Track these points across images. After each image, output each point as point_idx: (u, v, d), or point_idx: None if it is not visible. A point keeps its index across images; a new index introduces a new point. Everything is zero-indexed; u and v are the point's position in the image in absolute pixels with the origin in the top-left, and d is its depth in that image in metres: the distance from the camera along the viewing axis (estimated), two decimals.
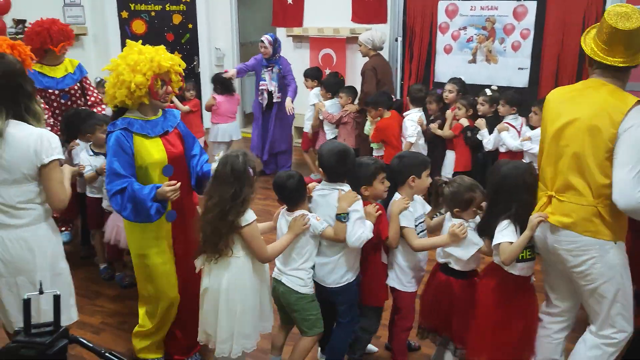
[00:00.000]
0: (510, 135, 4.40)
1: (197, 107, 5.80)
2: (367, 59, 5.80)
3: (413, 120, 4.94)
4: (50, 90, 4.18)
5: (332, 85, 5.81)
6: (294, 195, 2.63)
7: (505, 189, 2.52)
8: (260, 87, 6.13)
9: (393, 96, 5.54)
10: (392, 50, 6.74)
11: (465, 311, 2.66)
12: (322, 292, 2.75)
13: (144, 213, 2.50)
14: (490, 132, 4.58)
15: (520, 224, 2.49)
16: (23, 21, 6.51)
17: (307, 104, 6.08)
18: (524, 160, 4.40)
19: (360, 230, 2.55)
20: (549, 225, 2.44)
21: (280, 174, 2.66)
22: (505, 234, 2.47)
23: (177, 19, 7.68)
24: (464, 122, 4.63)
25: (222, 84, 5.94)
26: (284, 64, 6.13)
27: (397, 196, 2.77)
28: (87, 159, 3.81)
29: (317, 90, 5.91)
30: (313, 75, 5.99)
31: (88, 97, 4.40)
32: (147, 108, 2.65)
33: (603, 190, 2.28)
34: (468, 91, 4.86)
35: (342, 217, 2.53)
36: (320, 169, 2.70)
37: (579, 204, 2.33)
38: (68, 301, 2.54)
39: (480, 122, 4.52)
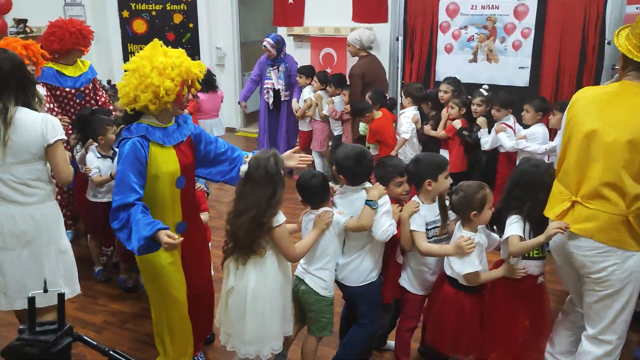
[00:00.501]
0: (507, 136, 4.40)
1: (194, 109, 5.74)
2: (355, 58, 5.77)
3: (408, 117, 4.92)
4: (67, 89, 4.23)
5: (338, 81, 5.79)
6: (317, 194, 2.63)
7: (522, 185, 2.55)
8: (265, 86, 6.08)
9: (387, 95, 5.49)
10: (392, 49, 6.75)
11: (476, 327, 2.62)
12: (345, 293, 2.78)
13: (133, 242, 2.30)
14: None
15: (530, 221, 2.51)
16: (24, 20, 6.51)
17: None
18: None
19: (387, 223, 2.56)
20: (568, 232, 2.37)
21: (304, 174, 2.66)
22: (514, 227, 2.49)
23: (177, 19, 7.69)
24: (457, 124, 4.59)
25: (205, 82, 5.92)
26: (290, 63, 6.07)
27: (415, 199, 2.75)
28: (95, 161, 3.77)
29: (310, 87, 5.89)
30: (307, 72, 5.95)
31: (98, 98, 4.47)
32: (166, 115, 2.51)
33: (637, 200, 2.21)
34: (463, 91, 4.84)
35: (372, 203, 2.54)
36: (340, 175, 2.68)
37: (608, 213, 2.25)
38: (73, 276, 2.77)
39: (482, 121, 4.51)
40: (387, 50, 6.83)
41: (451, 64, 5.78)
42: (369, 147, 5.23)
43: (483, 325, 2.63)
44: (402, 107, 5.17)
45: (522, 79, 5.46)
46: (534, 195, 2.51)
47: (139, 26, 7.62)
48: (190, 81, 2.48)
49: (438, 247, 2.68)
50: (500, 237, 2.64)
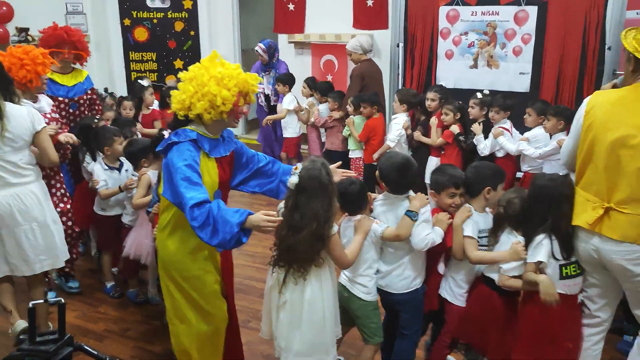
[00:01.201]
0: (507, 139, 4.39)
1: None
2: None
3: (399, 124, 4.91)
4: (60, 98, 4.08)
5: (325, 89, 5.82)
6: (355, 201, 2.62)
7: (541, 201, 2.46)
8: (258, 91, 6.11)
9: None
10: (393, 55, 6.77)
11: (505, 328, 2.58)
12: (388, 301, 2.73)
13: (223, 237, 2.18)
14: (484, 137, 4.51)
15: (558, 235, 2.43)
16: (26, 29, 6.54)
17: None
18: (522, 162, 4.44)
19: (425, 232, 2.53)
20: (599, 239, 2.33)
21: (343, 181, 2.66)
22: (538, 252, 2.42)
23: (179, 26, 7.71)
24: (455, 129, 4.55)
25: None
26: (281, 69, 6.10)
27: (465, 207, 2.70)
28: (102, 172, 3.68)
29: (290, 95, 5.88)
30: (285, 80, 5.92)
31: (96, 109, 4.38)
32: (218, 126, 2.47)
33: None
34: (450, 97, 4.83)
35: (412, 214, 2.52)
36: (382, 183, 2.69)
37: None
38: (64, 243, 3.22)
39: (476, 128, 4.48)
40: (387, 57, 6.85)
41: (452, 70, 5.79)
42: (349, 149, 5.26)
43: (514, 332, 2.57)
44: (394, 112, 5.16)
45: (522, 84, 5.46)
46: (556, 209, 2.43)
47: (141, 34, 7.65)
48: (245, 93, 2.46)
49: (492, 255, 2.61)
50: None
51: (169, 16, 7.64)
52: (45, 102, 3.58)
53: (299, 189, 2.30)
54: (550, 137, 4.17)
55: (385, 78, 6.77)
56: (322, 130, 5.82)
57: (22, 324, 3.09)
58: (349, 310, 2.69)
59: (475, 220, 2.64)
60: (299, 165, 2.36)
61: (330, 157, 5.62)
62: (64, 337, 1.31)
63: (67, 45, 4.07)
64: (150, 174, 3.47)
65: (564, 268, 2.44)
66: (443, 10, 5.73)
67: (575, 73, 5.25)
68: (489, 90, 4.77)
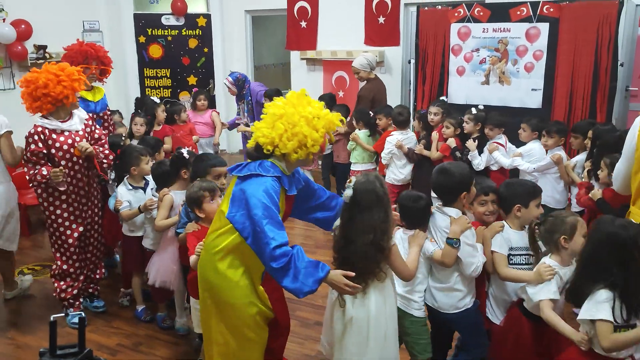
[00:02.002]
0: (502, 154, 4.45)
1: (189, 131, 5.71)
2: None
3: (391, 142, 4.94)
4: (89, 114, 4.01)
5: (328, 103, 5.85)
6: (418, 216, 2.63)
7: (611, 252, 2.11)
8: (237, 121, 6.27)
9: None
10: (404, 72, 6.81)
11: (530, 356, 2.47)
12: (437, 318, 2.69)
13: (300, 287, 2.21)
14: (478, 152, 4.56)
15: (624, 295, 2.08)
16: (44, 47, 6.67)
17: None
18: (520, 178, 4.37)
19: (475, 260, 2.52)
20: None
21: (410, 194, 2.69)
22: (602, 308, 2.08)
23: (193, 43, 7.82)
24: (452, 142, 4.61)
25: (192, 104, 6.09)
26: (253, 93, 6.10)
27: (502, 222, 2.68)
28: (126, 193, 3.60)
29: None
30: (273, 95, 5.97)
31: (112, 127, 4.44)
32: (297, 164, 2.48)
33: None
34: (452, 112, 4.89)
35: (453, 242, 2.48)
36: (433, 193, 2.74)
37: None
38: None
39: (470, 144, 4.52)
40: (399, 73, 6.89)
41: (463, 86, 5.81)
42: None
43: None
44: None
45: (534, 100, 5.46)
46: (625, 262, 2.09)
47: (155, 51, 7.76)
48: (329, 133, 2.46)
49: (517, 272, 2.54)
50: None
51: (183, 33, 7.76)
52: (78, 118, 3.58)
53: (354, 202, 2.34)
54: (547, 153, 4.23)
55: (397, 94, 6.83)
56: None
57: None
58: (400, 327, 2.61)
59: (505, 237, 2.60)
60: (353, 179, 2.40)
61: (336, 169, 5.84)
62: (84, 351, 1.33)
63: (94, 61, 4.17)
64: (173, 194, 3.37)
65: (618, 330, 2.10)
66: (454, 27, 5.76)
67: (587, 89, 5.24)
68: (487, 106, 4.82)
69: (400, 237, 2.66)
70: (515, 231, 2.63)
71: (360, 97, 5.69)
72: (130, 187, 3.64)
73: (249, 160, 2.46)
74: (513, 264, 2.60)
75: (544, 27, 5.32)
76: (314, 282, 2.22)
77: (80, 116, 3.60)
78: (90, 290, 3.88)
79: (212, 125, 5.98)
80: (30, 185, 3.52)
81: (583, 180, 3.77)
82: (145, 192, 3.66)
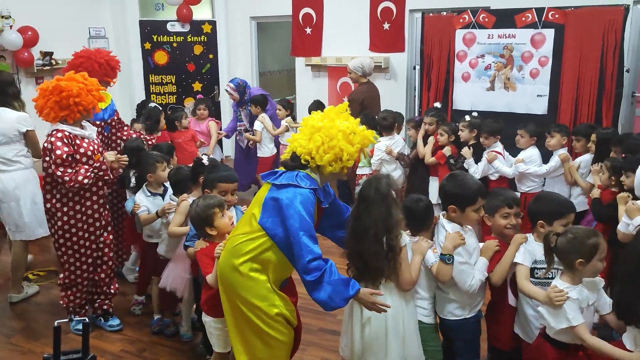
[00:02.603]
0: (501, 162, 4.43)
1: (190, 137, 5.74)
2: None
3: (380, 148, 4.95)
4: (98, 122, 4.07)
5: (316, 109, 5.88)
6: (420, 218, 2.63)
7: None
8: (239, 128, 6.32)
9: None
10: (409, 78, 6.81)
11: None
12: (441, 325, 2.72)
13: (329, 301, 2.26)
14: (475, 160, 4.53)
15: None
16: (50, 53, 6.71)
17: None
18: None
19: (469, 278, 2.50)
20: None
21: (412, 197, 2.70)
22: None
23: (198, 50, 7.85)
24: (447, 151, 4.61)
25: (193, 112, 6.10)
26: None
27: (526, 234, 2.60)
28: (145, 200, 3.58)
29: (262, 116, 6.03)
30: (258, 102, 6.08)
31: (126, 132, 4.36)
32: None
33: None
34: (446, 119, 4.95)
35: (445, 257, 2.48)
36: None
37: None
38: (43, 220, 3.75)
39: (466, 152, 4.50)
40: (404, 79, 6.90)
41: (468, 93, 5.79)
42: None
43: None
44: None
45: (540, 106, 5.44)
46: None
47: (160, 57, 7.79)
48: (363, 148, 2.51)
49: (533, 289, 2.44)
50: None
51: (189, 40, 7.79)
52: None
53: (360, 198, 2.44)
54: (551, 153, 4.29)
55: (402, 100, 6.84)
56: None
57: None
58: None
59: (529, 249, 2.52)
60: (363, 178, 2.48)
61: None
62: (88, 357, 1.32)
63: (110, 75, 4.21)
64: (191, 200, 3.24)
65: None
66: (460, 33, 5.76)
67: (593, 95, 5.22)
68: (493, 112, 4.81)
69: (406, 244, 2.64)
70: (540, 244, 2.49)
71: (350, 100, 5.76)
72: (149, 194, 3.62)
73: (283, 169, 2.48)
74: (538, 278, 2.51)
75: (550, 33, 5.31)
76: (342, 300, 2.28)
77: (90, 125, 3.60)
78: (105, 307, 3.76)
79: (209, 135, 5.98)
80: (70, 185, 3.30)
81: (588, 182, 3.85)
82: (163, 199, 3.61)
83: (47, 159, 3.34)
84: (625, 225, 2.94)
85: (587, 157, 4.12)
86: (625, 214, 2.95)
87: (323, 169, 2.42)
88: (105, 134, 4.22)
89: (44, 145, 3.40)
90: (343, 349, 2.66)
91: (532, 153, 4.39)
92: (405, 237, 2.50)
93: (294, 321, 2.52)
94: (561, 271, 2.35)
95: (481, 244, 2.69)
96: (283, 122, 6.13)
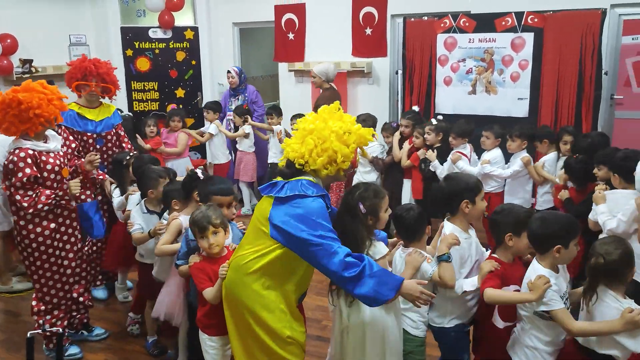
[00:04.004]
0: (465, 163, 4.55)
1: (158, 146, 5.66)
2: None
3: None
4: (88, 134, 3.95)
5: (278, 111, 6.17)
6: (412, 228, 2.55)
7: None
8: (227, 117, 6.46)
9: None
10: (392, 82, 6.84)
11: None
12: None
13: (374, 295, 2.16)
14: (442, 161, 4.67)
15: None
16: (30, 61, 6.63)
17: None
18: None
19: (429, 268, 2.43)
20: None
21: (403, 206, 2.64)
22: None
23: (180, 56, 7.80)
24: (422, 153, 4.73)
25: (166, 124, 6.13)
26: (250, 92, 6.46)
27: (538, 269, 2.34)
28: (140, 217, 3.36)
29: (217, 122, 6.10)
30: (214, 108, 6.17)
31: (124, 146, 4.19)
32: (329, 180, 2.45)
33: None
34: (424, 121, 5.04)
35: (444, 257, 2.39)
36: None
37: None
38: None
39: (430, 154, 4.63)
40: (387, 84, 6.93)
41: (450, 96, 5.84)
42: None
43: None
44: None
45: (521, 110, 5.50)
46: None
47: (143, 64, 7.74)
48: (361, 147, 2.44)
49: (598, 326, 2.17)
50: None
51: (171, 46, 7.74)
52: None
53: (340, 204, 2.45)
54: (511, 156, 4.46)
55: (385, 105, 6.87)
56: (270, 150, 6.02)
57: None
58: None
59: (554, 290, 2.25)
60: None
61: None
62: None
63: (94, 78, 3.92)
64: (182, 219, 3.06)
65: None
66: (441, 37, 5.80)
67: (572, 98, 5.29)
68: (475, 115, 4.88)
69: (399, 256, 2.60)
70: (556, 274, 2.32)
71: (317, 105, 5.80)
72: (145, 211, 3.40)
73: (280, 179, 2.39)
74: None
75: (529, 37, 5.37)
76: (391, 290, 2.17)
77: (55, 135, 3.38)
78: (85, 320, 3.66)
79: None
80: (30, 211, 3.11)
81: (558, 180, 4.03)
82: (160, 218, 3.34)
83: (7, 182, 3.10)
84: (594, 213, 3.22)
85: (551, 157, 4.34)
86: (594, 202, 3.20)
87: (319, 172, 2.34)
88: (98, 147, 4.02)
89: (4, 164, 3.14)
90: (330, 355, 2.64)
91: (496, 154, 4.53)
92: (381, 248, 2.41)
93: (303, 343, 2.45)
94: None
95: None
96: (246, 127, 6.12)
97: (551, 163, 4.31)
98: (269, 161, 6.09)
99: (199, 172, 3.12)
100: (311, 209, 2.24)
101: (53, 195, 3.14)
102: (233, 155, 6.36)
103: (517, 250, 2.47)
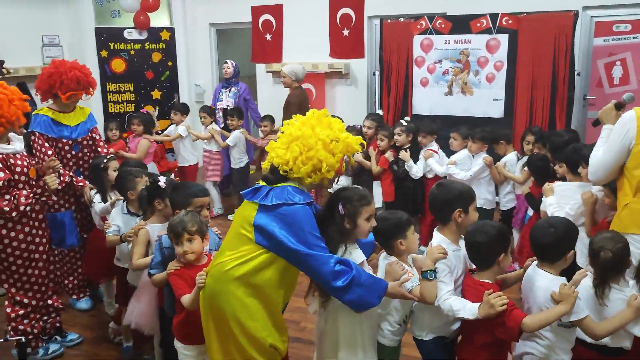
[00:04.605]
0: (436, 161, 4.64)
1: (122, 149, 5.44)
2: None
3: None
4: (64, 140, 3.71)
5: (239, 113, 6.12)
6: (386, 235, 2.43)
7: None
8: (217, 108, 6.49)
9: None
10: (370, 83, 6.87)
11: None
12: None
13: (363, 303, 2.19)
14: (414, 161, 4.74)
15: None
16: (1, 62, 6.49)
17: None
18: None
19: (438, 292, 2.25)
20: None
21: (379, 215, 2.50)
22: None
23: (156, 57, 7.73)
24: (390, 156, 4.77)
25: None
26: (242, 87, 6.53)
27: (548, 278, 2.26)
28: (120, 217, 3.25)
29: (186, 124, 6.06)
30: (182, 110, 6.16)
31: (100, 150, 3.95)
32: (312, 187, 2.39)
33: None
34: (386, 125, 5.12)
35: (427, 274, 2.22)
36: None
37: None
38: None
39: (404, 155, 4.69)
40: (364, 85, 6.95)
41: (427, 97, 5.88)
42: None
43: None
44: None
45: (496, 110, 5.57)
46: None
47: (118, 65, 7.64)
48: (348, 156, 2.36)
49: (617, 321, 2.18)
50: None
51: (147, 47, 7.66)
52: (17, 139, 3.23)
53: None
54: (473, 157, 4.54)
55: (363, 106, 6.90)
56: (235, 154, 5.97)
57: None
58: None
59: (585, 295, 2.23)
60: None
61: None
62: None
63: (83, 87, 3.70)
64: (150, 228, 2.97)
65: None
66: (417, 39, 5.84)
67: (547, 98, 5.37)
68: (451, 116, 4.92)
69: (382, 260, 2.52)
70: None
71: (288, 103, 5.86)
72: (126, 212, 3.29)
73: (263, 184, 2.33)
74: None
75: (504, 39, 5.44)
76: (377, 297, 2.21)
77: (15, 135, 3.24)
78: (58, 324, 3.55)
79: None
80: (13, 215, 3.00)
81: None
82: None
83: None
84: (544, 204, 3.37)
85: (511, 157, 4.46)
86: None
87: (302, 180, 2.27)
88: (74, 153, 3.79)
89: None
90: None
91: (463, 156, 4.59)
92: (357, 257, 2.33)
93: (283, 350, 2.41)
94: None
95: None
96: (209, 128, 6.06)
97: (512, 163, 4.43)
98: (232, 166, 6.08)
99: (161, 180, 3.02)
100: (300, 218, 2.20)
101: (31, 195, 3.09)
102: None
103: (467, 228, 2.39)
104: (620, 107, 2.79)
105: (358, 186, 2.48)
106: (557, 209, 3.16)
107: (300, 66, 6.04)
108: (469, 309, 2.20)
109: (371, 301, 2.20)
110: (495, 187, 4.58)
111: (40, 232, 3.29)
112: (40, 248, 3.28)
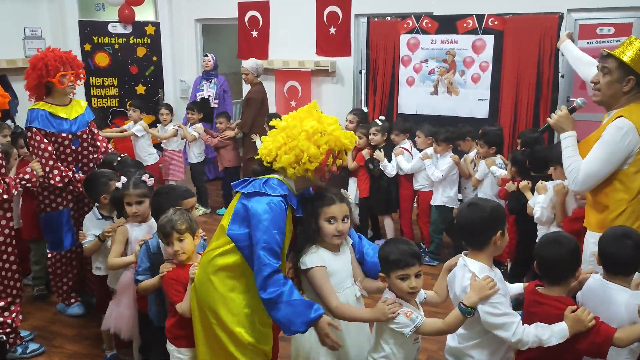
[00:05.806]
0: (405, 159, 4.75)
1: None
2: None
3: None
4: (64, 135, 3.55)
5: (200, 108, 6.26)
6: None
7: None
8: (198, 97, 6.75)
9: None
10: (356, 82, 6.86)
11: None
12: None
13: (287, 324, 2.11)
14: (388, 160, 4.84)
15: None
16: None
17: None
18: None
19: (512, 327, 1.99)
20: None
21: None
22: None
23: (141, 52, 7.65)
24: (366, 154, 4.86)
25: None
26: (222, 80, 6.89)
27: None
28: (93, 225, 3.19)
29: (143, 122, 5.98)
30: (141, 107, 6.12)
31: (99, 145, 3.83)
32: (301, 182, 2.31)
33: None
34: (367, 120, 5.21)
35: (467, 311, 1.98)
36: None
37: None
38: None
39: (379, 154, 4.78)
40: (350, 83, 6.95)
41: (413, 97, 5.90)
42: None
43: None
44: None
45: (481, 110, 5.60)
46: None
47: (102, 59, 7.55)
48: (337, 152, 2.29)
49: (633, 328, 2.05)
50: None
51: (131, 42, 7.58)
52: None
53: None
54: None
55: (349, 104, 6.89)
56: (193, 150, 6.06)
57: None
58: None
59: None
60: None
61: (228, 173, 6.04)
62: None
63: (70, 66, 3.55)
64: (129, 226, 2.92)
65: None
66: (404, 38, 5.85)
67: (531, 99, 5.42)
68: (437, 116, 4.96)
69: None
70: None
71: (250, 99, 5.87)
72: (100, 217, 3.23)
73: (254, 177, 2.32)
74: None
75: (490, 39, 5.48)
76: (302, 324, 2.11)
77: None
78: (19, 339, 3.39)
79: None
80: (5, 197, 3.03)
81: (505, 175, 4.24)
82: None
83: None
84: (533, 201, 3.50)
85: (474, 153, 4.63)
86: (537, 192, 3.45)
87: (285, 171, 2.24)
88: (74, 147, 3.63)
89: None
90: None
91: (430, 153, 4.70)
92: (314, 259, 2.26)
93: (268, 352, 2.37)
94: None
95: None
96: (171, 126, 6.04)
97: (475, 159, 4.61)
98: (190, 161, 6.17)
99: (120, 182, 2.95)
100: (263, 210, 2.15)
101: (18, 180, 3.15)
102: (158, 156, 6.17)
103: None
104: (573, 111, 2.82)
105: (330, 187, 2.41)
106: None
107: (260, 61, 6.11)
108: (558, 332, 1.99)
109: (296, 325, 2.10)
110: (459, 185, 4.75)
111: (10, 224, 3.25)
112: (14, 241, 3.27)
